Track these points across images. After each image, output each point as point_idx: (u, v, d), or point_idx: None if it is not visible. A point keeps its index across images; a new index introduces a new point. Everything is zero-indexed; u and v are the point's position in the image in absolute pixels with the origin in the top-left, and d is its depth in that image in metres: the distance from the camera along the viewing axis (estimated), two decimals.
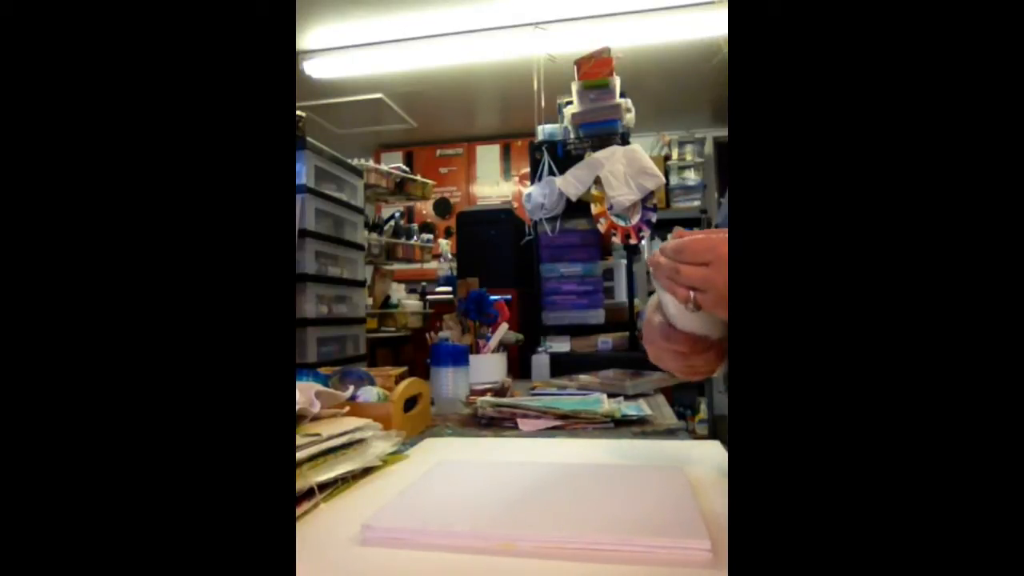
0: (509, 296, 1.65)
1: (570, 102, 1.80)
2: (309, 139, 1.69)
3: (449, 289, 2.59)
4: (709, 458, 0.70)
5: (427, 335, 1.35)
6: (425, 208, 4.12)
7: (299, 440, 0.58)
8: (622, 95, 1.75)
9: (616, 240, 1.71)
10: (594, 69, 1.68)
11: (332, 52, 2.83)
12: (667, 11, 2.51)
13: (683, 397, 3.45)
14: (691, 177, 3.58)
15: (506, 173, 4.08)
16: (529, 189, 1.80)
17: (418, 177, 2.71)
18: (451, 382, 1.14)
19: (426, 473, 0.62)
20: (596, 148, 1.72)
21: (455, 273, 2.32)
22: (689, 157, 3.62)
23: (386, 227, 2.63)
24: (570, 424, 0.93)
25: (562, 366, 1.53)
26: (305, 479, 0.55)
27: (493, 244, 2.06)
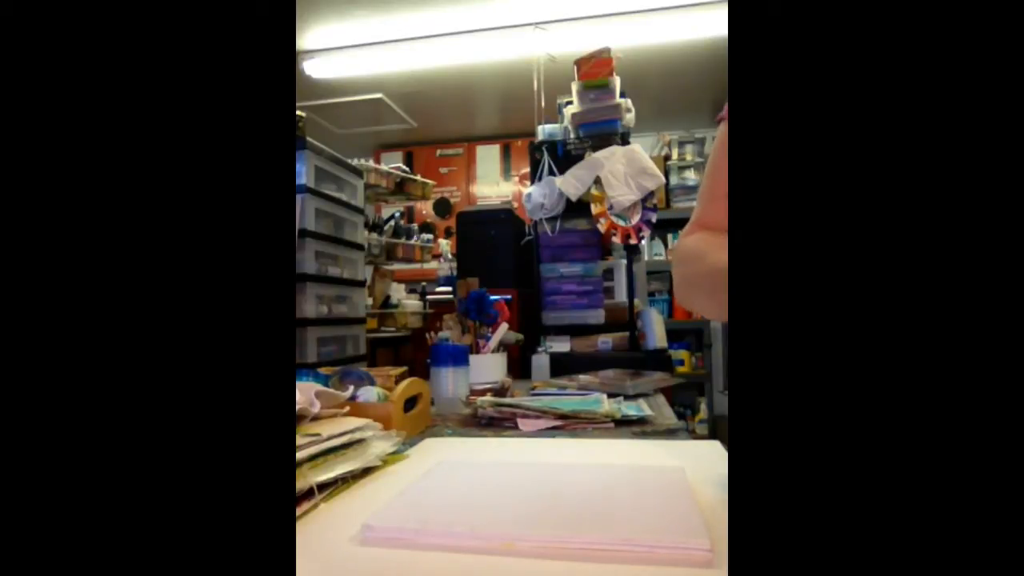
0: (509, 296, 1.65)
1: (570, 102, 1.80)
2: (309, 139, 1.69)
3: (449, 289, 2.59)
4: (709, 458, 0.70)
5: (427, 335, 1.35)
6: (425, 208, 4.12)
7: (299, 440, 0.58)
8: (622, 95, 1.75)
9: (616, 240, 1.71)
10: (594, 69, 1.68)
11: (332, 52, 2.83)
12: (667, 11, 2.51)
13: (683, 397, 3.45)
14: (691, 177, 3.58)
15: (506, 173, 4.08)
16: (529, 189, 1.80)
17: (418, 177, 2.71)
18: (451, 382, 1.14)
19: (426, 473, 0.62)
20: (596, 148, 1.72)
21: (455, 273, 2.32)
22: (689, 157, 3.62)
23: (386, 227, 2.63)
24: (570, 424, 0.93)
25: (562, 366, 1.53)
26: (305, 479, 0.55)
27: (493, 244, 2.06)
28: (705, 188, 0.66)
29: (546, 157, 1.79)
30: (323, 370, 0.97)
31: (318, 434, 0.60)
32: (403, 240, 2.69)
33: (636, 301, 1.78)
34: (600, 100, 1.72)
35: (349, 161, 1.96)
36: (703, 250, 0.58)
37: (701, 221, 0.64)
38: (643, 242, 1.79)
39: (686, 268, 0.62)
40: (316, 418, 0.68)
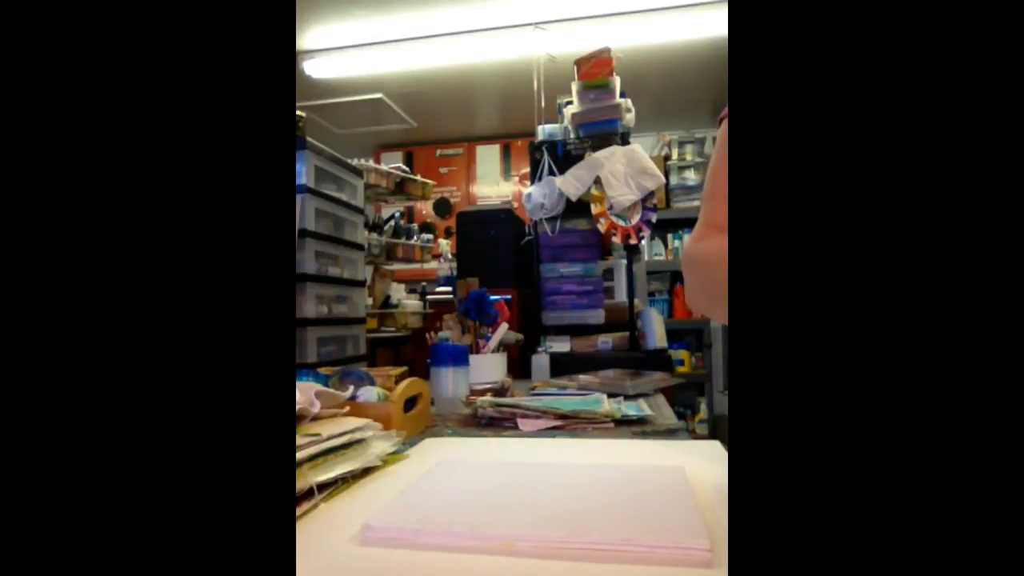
0: (509, 296, 1.65)
1: (570, 102, 1.80)
2: (309, 139, 1.69)
3: (449, 289, 2.59)
4: (709, 458, 0.70)
5: (427, 335, 1.35)
6: (425, 208, 4.12)
7: (299, 440, 0.58)
8: (622, 95, 1.75)
9: (616, 240, 1.71)
10: (594, 69, 1.68)
11: (332, 52, 2.83)
12: (667, 11, 2.51)
13: (683, 397, 3.45)
14: (691, 177, 3.58)
15: (506, 173, 4.08)
16: (529, 189, 1.80)
17: (418, 177, 2.71)
18: (451, 382, 1.14)
19: (426, 473, 0.62)
20: (596, 148, 1.72)
21: (455, 273, 2.32)
22: (689, 157, 3.62)
23: (386, 227, 2.63)
24: (570, 424, 0.93)
25: (562, 366, 1.53)
26: (305, 479, 0.55)
27: (493, 244, 2.06)
28: (710, 188, 0.64)
29: (546, 157, 1.79)
30: (323, 370, 0.97)
31: (318, 434, 0.60)
32: (403, 240, 2.69)
33: (636, 301, 1.78)
34: (600, 100, 1.72)
35: (349, 161, 1.96)
36: (724, 259, 0.54)
37: (710, 221, 0.63)
38: (643, 242, 1.79)
39: (705, 275, 0.59)
40: (316, 418, 0.68)
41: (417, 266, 3.02)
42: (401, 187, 2.59)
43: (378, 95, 3.30)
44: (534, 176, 1.82)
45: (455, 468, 0.65)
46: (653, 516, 0.48)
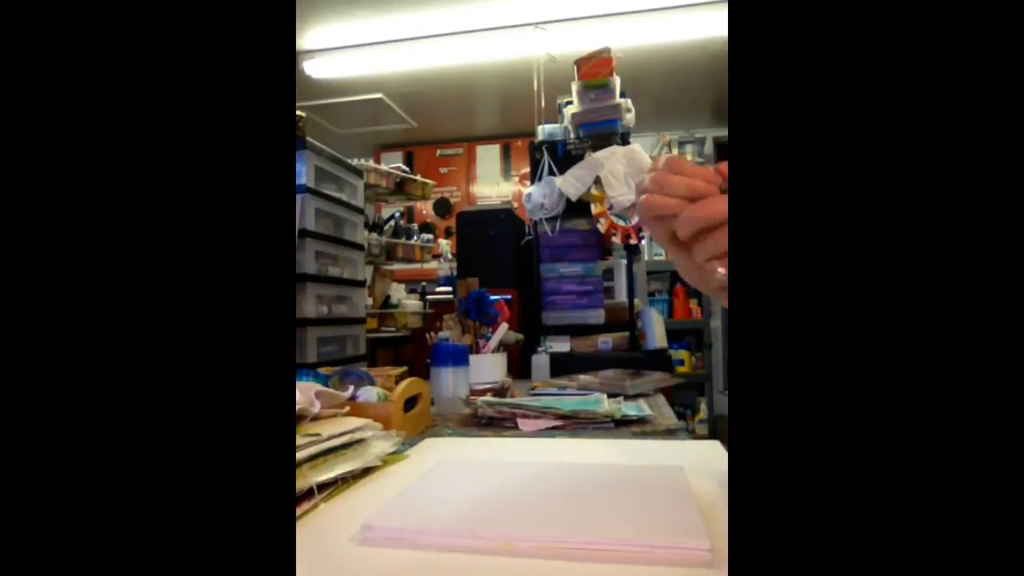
0: (509, 296, 1.65)
1: (570, 102, 1.80)
2: (309, 139, 1.69)
3: (449, 289, 2.59)
4: (709, 458, 0.70)
5: (427, 335, 1.35)
6: (425, 208, 4.12)
7: (299, 440, 0.58)
8: (622, 95, 1.75)
9: (616, 240, 1.71)
10: (594, 69, 1.68)
11: (332, 52, 2.83)
12: (667, 11, 2.51)
13: (683, 397, 3.46)
14: None
15: (506, 173, 4.08)
16: (529, 189, 1.80)
17: (418, 177, 2.71)
18: (451, 382, 1.14)
19: (426, 473, 0.62)
20: (596, 148, 1.72)
21: (455, 273, 2.32)
22: (689, 157, 3.62)
23: (386, 227, 2.63)
24: (570, 424, 0.93)
25: (562, 366, 1.53)
26: (305, 479, 0.55)
27: (493, 244, 2.06)
28: None
29: (546, 157, 1.78)
30: (323, 370, 0.97)
31: (318, 434, 0.60)
32: (403, 240, 2.70)
33: (636, 301, 1.78)
34: (600, 100, 1.72)
35: (349, 161, 1.96)
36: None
37: None
38: (643, 242, 1.79)
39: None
40: (316, 418, 0.68)
41: (417, 266, 3.02)
42: (401, 187, 2.59)
43: (378, 95, 3.31)
44: (534, 176, 1.82)
45: (455, 468, 0.65)
46: (653, 516, 0.48)
